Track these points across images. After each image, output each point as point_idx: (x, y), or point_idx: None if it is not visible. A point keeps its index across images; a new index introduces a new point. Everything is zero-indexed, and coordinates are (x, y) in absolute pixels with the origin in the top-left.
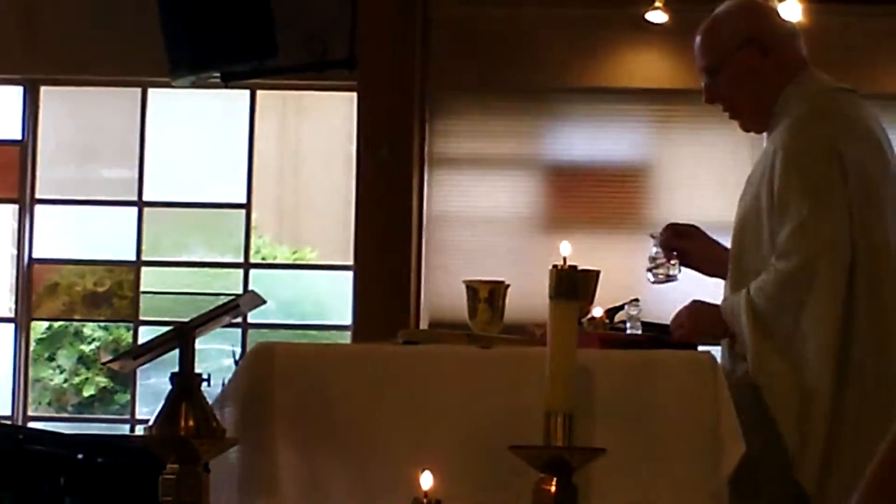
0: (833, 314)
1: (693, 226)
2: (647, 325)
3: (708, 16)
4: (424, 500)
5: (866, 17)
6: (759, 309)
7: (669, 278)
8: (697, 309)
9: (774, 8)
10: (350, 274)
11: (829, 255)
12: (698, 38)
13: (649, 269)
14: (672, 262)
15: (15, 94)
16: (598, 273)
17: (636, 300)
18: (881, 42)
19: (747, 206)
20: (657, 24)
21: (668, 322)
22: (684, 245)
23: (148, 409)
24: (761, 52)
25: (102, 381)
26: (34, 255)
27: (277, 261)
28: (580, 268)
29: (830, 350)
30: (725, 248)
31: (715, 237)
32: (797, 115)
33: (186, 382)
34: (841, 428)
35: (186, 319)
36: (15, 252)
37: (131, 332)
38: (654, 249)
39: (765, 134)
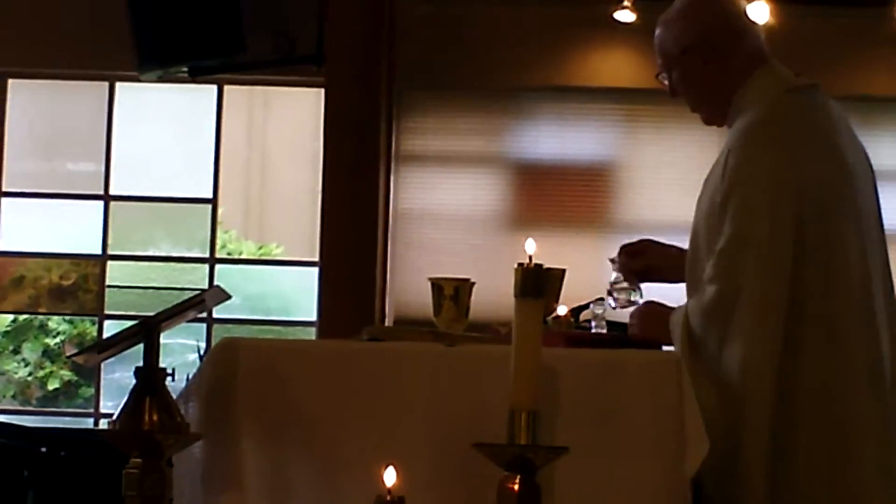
0: (762, 342)
1: (645, 241)
2: (611, 325)
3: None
4: (388, 497)
5: (832, 18)
6: (691, 330)
7: (631, 303)
8: (649, 312)
9: (727, 4)
10: (315, 270)
11: (753, 282)
12: (655, 35)
13: (610, 293)
14: (634, 287)
15: None
16: (563, 271)
17: (601, 299)
18: (848, 43)
19: (703, 210)
20: (625, 24)
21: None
22: (642, 265)
23: (112, 403)
24: (702, 60)
25: (67, 374)
26: None
27: (243, 256)
28: (545, 266)
29: (760, 376)
30: (681, 250)
31: (680, 236)
32: (753, 120)
33: (151, 377)
34: (778, 457)
35: (151, 314)
36: None
37: (96, 325)
38: (615, 274)
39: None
